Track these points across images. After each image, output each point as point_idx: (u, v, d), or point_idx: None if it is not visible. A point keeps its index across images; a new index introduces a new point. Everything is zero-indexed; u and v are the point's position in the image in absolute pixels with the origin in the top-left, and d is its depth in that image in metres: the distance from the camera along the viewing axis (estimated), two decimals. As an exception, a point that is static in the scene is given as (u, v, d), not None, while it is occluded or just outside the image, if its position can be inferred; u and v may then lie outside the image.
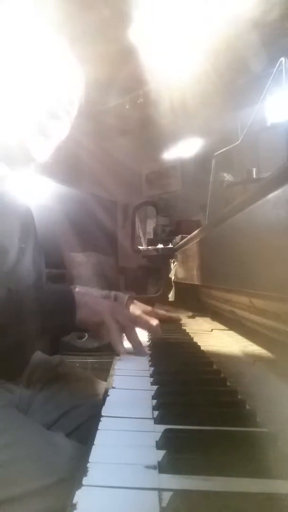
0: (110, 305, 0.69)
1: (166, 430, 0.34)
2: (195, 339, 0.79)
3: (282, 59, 0.96)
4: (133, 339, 0.67)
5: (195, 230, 1.06)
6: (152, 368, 0.57)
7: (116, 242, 3.10)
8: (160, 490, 0.27)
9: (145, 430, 0.36)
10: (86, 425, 0.68)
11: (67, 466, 0.51)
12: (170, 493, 0.26)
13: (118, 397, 0.45)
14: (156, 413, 0.40)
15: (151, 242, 2.37)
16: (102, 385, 0.80)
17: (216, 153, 1.32)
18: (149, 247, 2.09)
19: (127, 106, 2.47)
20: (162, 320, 1.03)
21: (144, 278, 2.39)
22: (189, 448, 0.32)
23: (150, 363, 0.60)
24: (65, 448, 0.56)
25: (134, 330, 0.68)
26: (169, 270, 1.49)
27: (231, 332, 0.85)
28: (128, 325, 0.67)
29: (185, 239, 1.27)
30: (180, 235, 1.52)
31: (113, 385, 0.49)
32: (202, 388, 0.48)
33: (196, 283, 0.97)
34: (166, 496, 0.26)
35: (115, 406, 0.42)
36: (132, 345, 0.67)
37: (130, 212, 2.82)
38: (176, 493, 0.26)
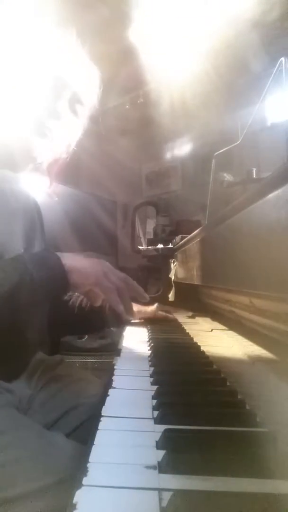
0: (101, 266, 0.68)
1: (166, 430, 0.34)
2: (195, 339, 0.79)
3: (282, 59, 0.95)
4: (126, 300, 0.67)
5: (195, 230, 1.06)
6: (152, 368, 0.56)
7: (116, 242, 3.10)
8: (160, 490, 0.27)
9: (145, 430, 0.36)
10: (86, 425, 0.68)
11: (67, 466, 0.51)
12: (170, 493, 0.26)
13: (118, 397, 0.45)
14: (156, 413, 0.39)
15: (151, 242, 2.37)
16: (102, 385, 0.80)
17: (216, 153, 1.31)
18: (149, 247, 2.09)
19: (127, 106, 2.48)
20: (158, 318, 1.04)
21: (144, 278, 2.39)
22: (189, 448, 0.32)
23: (150, 363, 0.60)
24: (65, 448, 0.56)
25: (127, 291, 0.68)
26: (169, 270, 1.49)
27: (231, 332, 0.85)
28: (121, 285, 0.67)
29: (185, 239, 1.27)
30: (180, 235, 1.51)
31: (113, 385, 0.49)
32: (202, 388, 0.48)
33: (196, 283, 0.97)
34: (166, 496, 0.26)
35: (115, 406, 0.42)
36: (125, 307, 0.66)
37: (130, 212, 2.81)
38: (176, 493, 0.26)
